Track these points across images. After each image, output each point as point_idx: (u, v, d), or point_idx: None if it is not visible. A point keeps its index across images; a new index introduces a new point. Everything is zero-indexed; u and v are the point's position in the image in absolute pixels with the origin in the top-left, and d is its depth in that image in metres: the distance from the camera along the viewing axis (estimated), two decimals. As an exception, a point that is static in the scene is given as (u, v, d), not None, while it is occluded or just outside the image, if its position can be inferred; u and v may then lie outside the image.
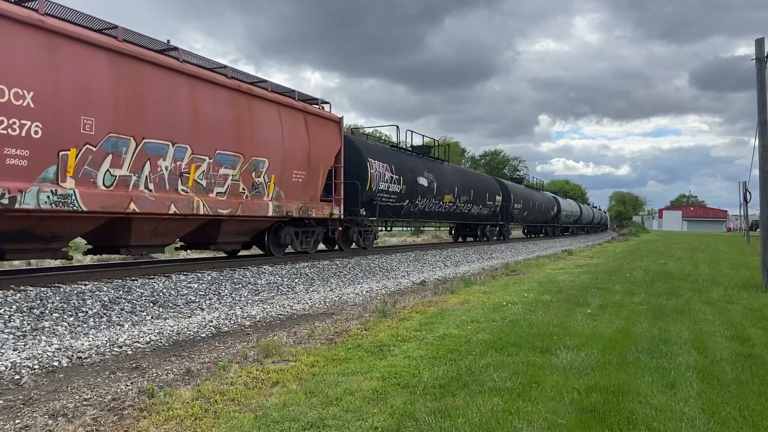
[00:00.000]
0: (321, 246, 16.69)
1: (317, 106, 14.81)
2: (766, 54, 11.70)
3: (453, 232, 30.19)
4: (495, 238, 30.68)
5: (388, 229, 22.76)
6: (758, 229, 14.84)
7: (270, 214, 12.56)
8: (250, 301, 10.20)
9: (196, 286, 10.06)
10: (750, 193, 26.62)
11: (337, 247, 17.35)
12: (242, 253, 14.86)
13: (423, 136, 27.01)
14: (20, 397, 4.92)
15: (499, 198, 29.26)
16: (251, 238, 13.66)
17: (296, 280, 12.21)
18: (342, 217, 15.52)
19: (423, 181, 20.54)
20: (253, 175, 12.02)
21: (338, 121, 15.55)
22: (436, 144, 24.88)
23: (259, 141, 12.13)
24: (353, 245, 17.79)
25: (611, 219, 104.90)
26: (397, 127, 25.27)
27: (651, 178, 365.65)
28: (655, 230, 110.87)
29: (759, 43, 11.73)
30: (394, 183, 18.45)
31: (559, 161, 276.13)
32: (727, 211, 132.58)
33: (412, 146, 22.52)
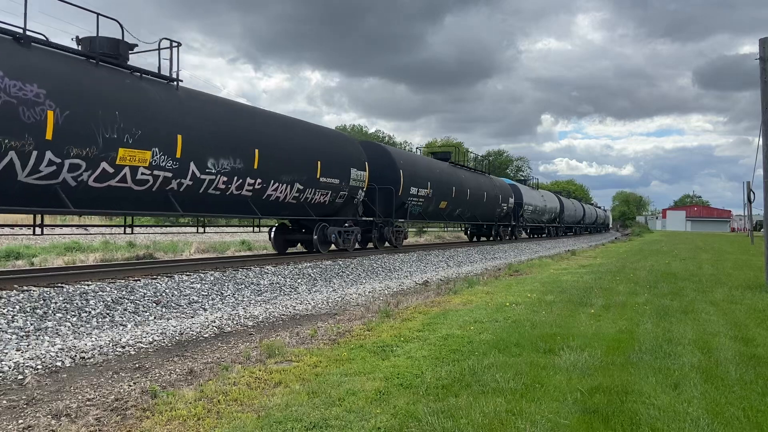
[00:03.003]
0: None
1: None
2: (770, 53, 11.65)
3: (273, 234, 16.81)
4: (356, 245, 17.77)
5: None
6: (762, 230, 14.79)
7: None
8: (253, 301, 10.21)
9: (198, 286, 10.07)
10: (754, 193, 26.42)
11: None
12: (245, 253, 14.85)
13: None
14: (23, 397, 4.93)
15: (361, 175, 16.73)
16: None
17: (299, 281, 12.21)
18: None
19: None
20: None
21: None
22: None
23: None
24: None
25: (614, 219, 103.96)
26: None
27: (654, 178, 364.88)
28: (658, 230, 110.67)
29: (763, 43, 11.69)
30: None
31: (562, 161, 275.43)
32: (731, 211, 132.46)
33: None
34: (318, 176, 14.77)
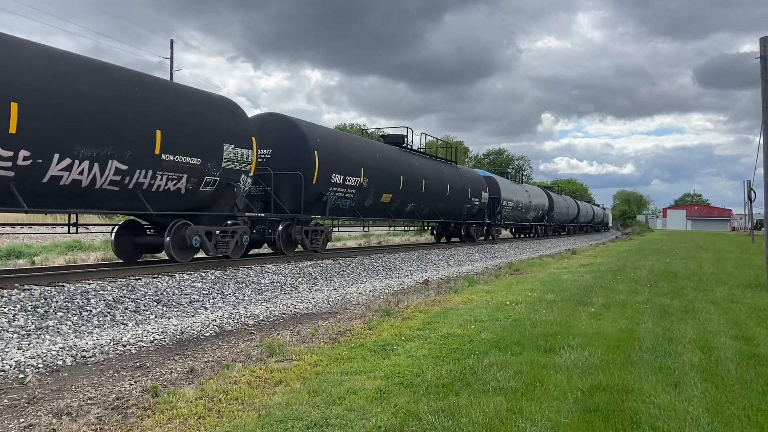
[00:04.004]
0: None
1: None
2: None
3: (115, 235, 11.85)
4: (242, 251, 12.99)
5: None
6: (762, 228, 14.79)
7: None
8: (254, 300, 10.21)
9: (199, 285, 10.08)
10: (754, 192, 26.33)
11: None
12: (246, 252, 14.71)
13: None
14: (24, 396, 4.94)
15: (244, 154, 12.17)
16: None
17: (300, 280, 12.22)
18: None
19: None
20: None
21: None
22: None
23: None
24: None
25: (615, 218, 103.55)
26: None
27: (655, 177, 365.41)
28: (659, 229, 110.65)
29: (764, 42, 11.67)
30: None
31: (562, 160, 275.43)
32: (731, 210, 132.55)
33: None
34: (158, 152, 10.07)
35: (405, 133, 21.29)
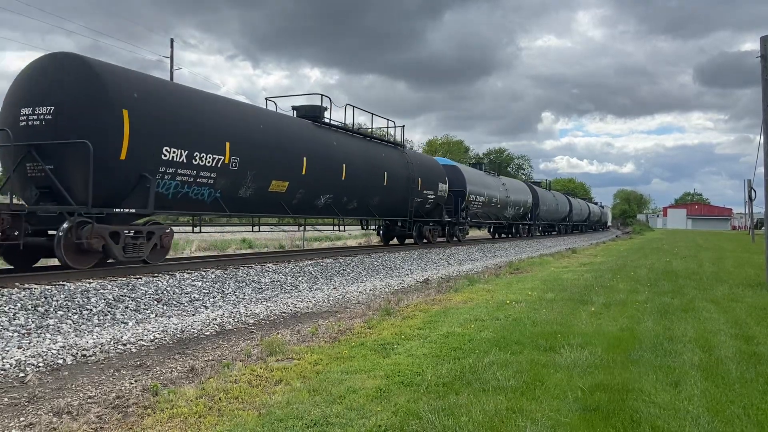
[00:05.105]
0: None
1: None
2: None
3: None
4: None
5: None
6: (763, 228, 14.79)
7: None
8: (254, 299, 10.22)
9: (200, 284, 10.08)
10: (755, 191, 26.35)
11: None
12: (245, 251, 14.68)
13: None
14: (25, 395, 4.94)
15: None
16: None
17: (300, 279, 12.22)
18: None
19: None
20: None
21: None
22: None
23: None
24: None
25: (615, 217, 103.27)
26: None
27: (655, 176, 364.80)
28: (659, 228, 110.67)
29: (764, 41, 11.65)
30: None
31: (562, 159, 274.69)
32: (731, 209, 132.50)
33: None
34: None
35: (322, 104, 15.90)
